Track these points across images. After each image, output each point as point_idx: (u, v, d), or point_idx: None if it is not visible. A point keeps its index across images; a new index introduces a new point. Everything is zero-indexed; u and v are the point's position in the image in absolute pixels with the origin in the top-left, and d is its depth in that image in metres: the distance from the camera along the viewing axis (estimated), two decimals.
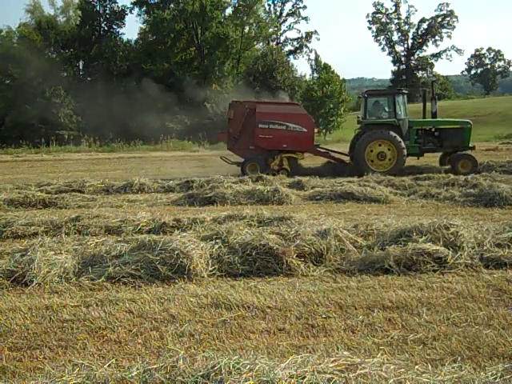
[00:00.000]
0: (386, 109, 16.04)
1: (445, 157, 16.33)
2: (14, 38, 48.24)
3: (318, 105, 40.60)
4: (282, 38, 58.19)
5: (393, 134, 15.32)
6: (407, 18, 73.68)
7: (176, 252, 5.64)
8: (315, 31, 59.19)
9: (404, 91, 16.50)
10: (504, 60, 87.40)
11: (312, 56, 59.09)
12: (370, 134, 15.55)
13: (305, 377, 3.00)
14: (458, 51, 73.70)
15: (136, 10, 47.03)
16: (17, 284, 5.40)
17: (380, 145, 15.48)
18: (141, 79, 40.20)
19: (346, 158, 16.72)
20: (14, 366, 3.73)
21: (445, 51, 73.10)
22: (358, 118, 16.79)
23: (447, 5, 71.98)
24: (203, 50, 45.03)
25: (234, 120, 16.43)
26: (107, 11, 46.53)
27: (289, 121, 15.77)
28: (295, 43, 58.35)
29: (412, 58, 74.28)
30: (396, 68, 75.05)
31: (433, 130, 16.29)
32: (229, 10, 48.43)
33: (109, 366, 3.46)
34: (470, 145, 16.04)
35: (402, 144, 15.32)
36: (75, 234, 7.53)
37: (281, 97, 22.22)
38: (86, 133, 33.35)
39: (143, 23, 47.34)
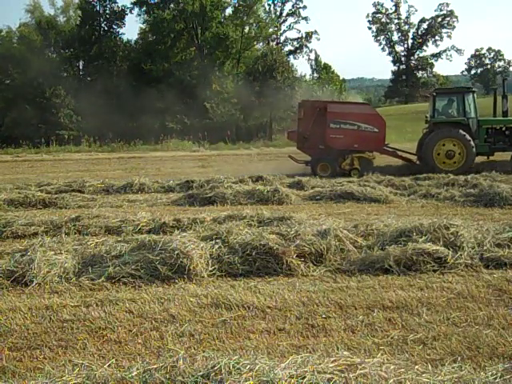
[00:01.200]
0: (455, 107, 15.84)
1: None
2: (14, 38, 48.22)
3: None
4: (282, 38, 58.16)
5: (462, 132, 15.13)
6: (407, 18, 73.74)
7: (176, 252, 5.64)
8: (315, 31, 58.94)
9: (474, 89, 16.29)
10: (504, 60, 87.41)
11: (312, 56, 59.05)
12: (439, 132, 15.39)
13: (305, 377, 3.00)
14: (458, 51, 73.74)
15: (136, 9, 47.04)
16: (17, 284, 5.40)
17: (445, 144, 15.29)
18: (141, 79, 40.22)
19: (414, 157, 16.52)
20: (14, 365, 3.73)
21: (445, 51, 73.13)
22: (426, 117, 16.55)
23: (447, 5, 72.02)
24: (203, 50, 45.03)
25: (303, 119, 16.28)
26: (107, 11, 46.52)
27: (360, 120, 15.60)
28: (295, 43, 58.27)
29: (412, 57, 74.30)
30: (396, 68, 75.12)
31: (503, 128, 15.93)
32: (229, 10, 48.47)
33: (109, 366, 3.46)
34: None
35: (472, 143, 15.11)
36: (75, 234, 7.53)
37: (352, 96, 21.94)
38: (86, 133, 33.34)
39: (143, 23, 47.36)
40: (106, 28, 46.80)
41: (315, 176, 14.46)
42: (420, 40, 73.44)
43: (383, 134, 15.81)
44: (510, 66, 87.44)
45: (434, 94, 16.23)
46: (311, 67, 59.24)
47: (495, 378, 3.19)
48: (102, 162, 22.39)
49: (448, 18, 72.20)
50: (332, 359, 3.23)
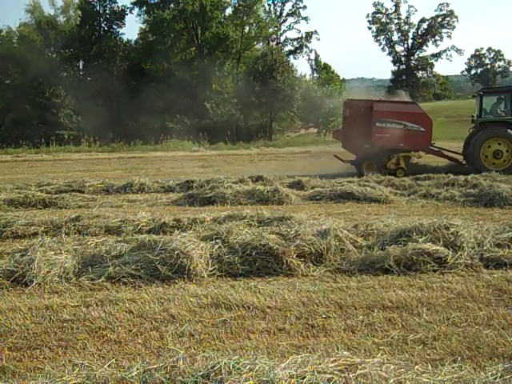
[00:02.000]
0: (503, 107, 15.63)
1: None
2: (14, 38, 48.18)
3: (317, 105, 40.60)
4: (282, 38, 58.06)
5: (510, 131, 14.95)
6: (407, 18, 73.65)
7: (176, 252, 5.64)
8: (315, 31, 58.88)
9: None
10: (504, 60, 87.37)
11: (312, 56, 59.01)
12: (485, 132, 15.19)
13: (305, 377, 3.00)
14: (458, 51, 73.64)
15: (136, 9, 46.94)
16: (17, 284, 5.40)
17: (490, 145, 15.11)
18: (141, 79, 40.21)
19: (460, 157, 16.32)
20: (14, 365, 3.73)
21: (445, 51, 73.05)
22: (473, 116, 16.39)
23: (447, 5, 71.91)
24: (203, 50, 45.00)
25: (349, 118, 16.13)
26: (107, 11, 46.46)
27: (407, 119, 15.41)
28: (295, 43, 58.21)
29: (412, 58, 74.23)
30: (396, 68, 75.03)
31: None
32: (229, 10, 48.40)
33: (109, 365, 3.47)
34: None
35: None
36: (75, 234, 7.53)
37: (399, 95, 21.61)
38: (86, 133, 33.31)
39: (143, 23, 47.31)
40: (105, 28, 46.75)
41: (362, 176, 14.19)
42: (420, 40, 73.39)
43: (430, 133, 15.57)
44: (510, 65, 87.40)
45: (481, 93, 15.93)
46: (311, 67, 59.24)
47: (495, 378, 3.19)
48: (101, 162, 22.37)
49: (448, 18, 72.13)
50: (332, 359, 3.23)
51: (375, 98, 18.09)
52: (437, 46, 73.57)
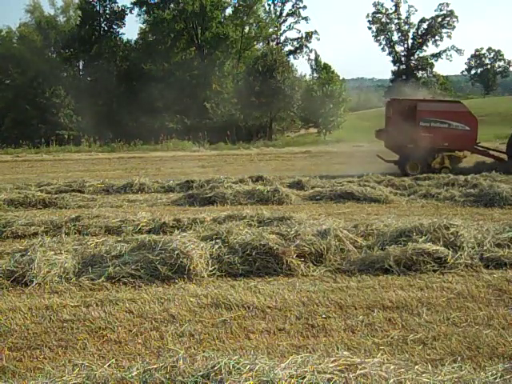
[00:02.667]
0: None
1: None
2: (14, 38, 48.19)
3: (318, 105, 40.60)
4: (282, 38, 58.04)
5: None
6: (407, 18, 73.60)
7: (176, 252, 5.64)
8: (315, 31, 58.82)
9: None
10: (504, 60, 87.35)
11: (312, 56, 58.98)
12: None
13: (305, 377, 3.00)
14: (458, 51, 73.58)
15: (136, 9, 46.89)
16: (17, 284, 5.40)
17: None
18: (141, 79, 40.21)
19: (505, 157, 16.16)
20: (14, 365, 3.73)
21: (445, 51, 73.00)
22: None
23: (447, 5, 71.85)
24: (203, 50, 44.98)
25: (392, 118, 16.06)
26: (107, 11, 46.44)
27: (452, 119, 15.30)
28: (295, 43, 58.19)
29: (412, 58, 74.19)
30: (396, 68, 74.99)
31: None
32: (229, 10, 48.38)
33: (109, 365, 3.47)
34: None
35: None
36: (75, 234, 7.53)
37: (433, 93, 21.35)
38: (86, 133, 33.29)
39: (143, 23, 47.28)
40: (105, 28, 46.74)
41: (405, 175, 14.05)
42: (420, 40, 73.34)
43: (475, 132, 15.45)
44: (510, 65, 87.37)
45: None
46: (311, 67, 59.20)
47: (495, 378, 3.19)
48: (101, 162, 22.35)
49: (448, 18, 72.08)
50: (332, 359, 3.23)
51: (419, 97, 17.86)
52: (437, 46, 73.51)
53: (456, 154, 15.70)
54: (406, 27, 74.03)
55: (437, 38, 72.60)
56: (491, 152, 16.47)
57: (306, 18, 57.63)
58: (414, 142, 15.44)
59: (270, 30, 51.85)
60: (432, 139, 15.26)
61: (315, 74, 56.23)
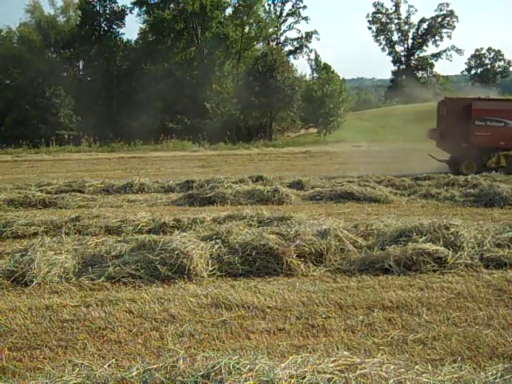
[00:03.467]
0: None
1: None
2: (14, 38, 48.15)
3: (318, 105, 40.59)
4: (282, 38, 58.02)
5: None
6: (407, 18, 73.60)
7: (176, 252, 5.64)
8: (315, 31, 58.80)
9: None
10: (504, 60, 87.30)
11: (312, 56, 58.95)
12: None
13: (305, 377, 3.00)
14: (458, 51, 73.61)
15: (136, 9, 46.82)
16: (17, 284, 5.40)
17: None
18: (141, 79, 40.18)
19: None
20: (14, 365, 3.73)
21: (445, 51, 73.00)
22: None
23: (447, 5, 71.87)
24: (203, 50, 44.95)
25: (445, 117, 15.91)
26: (107, 11, 46.39)
27: (508, 117, 15.14)
28: (295, 43, 58.19)
29: (412, 57, 74.20)
30: (396, 68, 75.01)
31: None
32: (229, 10, 48.36)
33: (109, 365, 3.47)
34: None
35: None
36: (75, 234, 7.53)
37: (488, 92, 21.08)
38: (86, 133, 33.28)
39: (143, 23, 47.25)
40: (105, 28, 46.69)
41: (457, 175, 13.80)
42: (420, 40, 73.35)
43: None
44: (510, 65, 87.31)
45: None
46: (311, 67, 59.18)
47: (495, 378, 3.19)
48: (101, 162, 22.36)
49: (448, 18, 72.09)
50: (332, 359, 3.23)
51: (474, 96, 17.68)
52: (437, 46, 73.53)
53: None
54: (406, 27, 74.06)
55: (437, 38, 72.64)
56: None
57: (305, 18, 57.64)
58: (469, 142, 15.24)
59: (270, 30, 51.82)
60: (488, 138, 15.04)
61: (315, 74, 56.19)
